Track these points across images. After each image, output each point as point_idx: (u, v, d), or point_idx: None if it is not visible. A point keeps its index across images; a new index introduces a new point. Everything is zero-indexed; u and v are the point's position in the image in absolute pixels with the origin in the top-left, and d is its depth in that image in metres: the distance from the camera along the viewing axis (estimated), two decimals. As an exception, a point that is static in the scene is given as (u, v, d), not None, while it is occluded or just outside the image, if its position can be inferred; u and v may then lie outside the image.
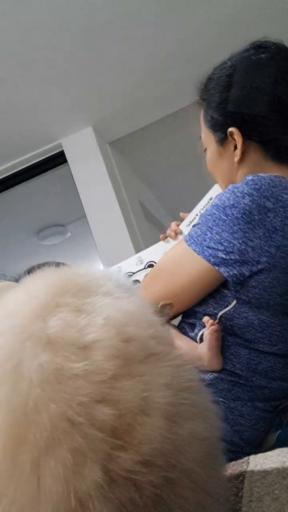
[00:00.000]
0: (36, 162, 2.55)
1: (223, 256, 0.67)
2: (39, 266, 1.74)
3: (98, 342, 0.29)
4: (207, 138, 0.88)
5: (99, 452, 0.25)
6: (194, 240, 0.72)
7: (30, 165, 2.56)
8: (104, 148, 2.56)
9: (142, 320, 0.34)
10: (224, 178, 0.86)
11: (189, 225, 1.18)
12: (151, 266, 1.24)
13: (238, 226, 0.66)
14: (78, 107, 2.28)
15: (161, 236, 1.19)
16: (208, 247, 0.69)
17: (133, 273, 1.25)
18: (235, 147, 0.81)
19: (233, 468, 0.57)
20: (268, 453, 0.61)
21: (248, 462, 0.59)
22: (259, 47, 0.82)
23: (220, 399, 0.68)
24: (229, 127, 0.80)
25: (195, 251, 0.71)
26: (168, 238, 1.23)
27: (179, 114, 2.40)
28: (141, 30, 1.91)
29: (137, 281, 1.23)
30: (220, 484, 0.31)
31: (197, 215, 1.14)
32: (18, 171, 2.56)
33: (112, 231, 2.35)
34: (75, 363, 0.28)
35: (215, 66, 0.86)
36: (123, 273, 1.25)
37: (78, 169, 2.46)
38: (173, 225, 1.15)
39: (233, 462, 0.59)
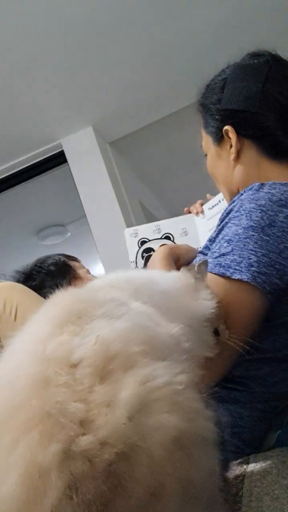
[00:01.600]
0: (36, 162, 2.56)
1: (277, 281, 0.61)
2: (39, 264, 1.72)
3: (84, 360, 0.36)
4: (207, 142, 0.89)
5: (64, 436, 0.32)
6: (238, 269, 0.62)
7: (30, 165, 2.56)
8: (104, 148, 2.56)
9: (133, 337, 0.40)
10: (224, 179, 0.87)
11: (211, 208, 1.22)
12: (167, 238, 1.25)
13: (284, 245, 0.63)
14: (78, 107, 2.28)
15: (185, 209, 1.27)
16: (260, 273, 0.61)
17: (149, 240, 1.26)
18: (231, 146, 0.82)
19: (233, 468, 0.57)
20: (268, 453, 0.61)
21: (248, 462, 0.59)
22: (254, 54, 0.84)
23: (218, 402, 0.68)
24: (223, 126, 0.82)
25: (243, 279, 0.61)
26: (192, 214, 1.26)
27: (179, 114, 2.40)
28: (141, 31, 1.91)
29: (151, 249, 1.24)
30: (202, 476, 0.34)
31: (220, 201, 1.17)
32: (18, 171, 2.57)
33: (112, 231, 2.35)
34: (61, 377, 0.36)
35: (215, 75, 0.87)
36: (138, 237, 1.27)
37: (78, 169, 2.46)
38: (198, 203, 1.22)
39: (233, 462, 0.59)
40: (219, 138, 0.84)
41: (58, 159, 2.54)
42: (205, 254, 0.80)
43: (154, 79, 2.21)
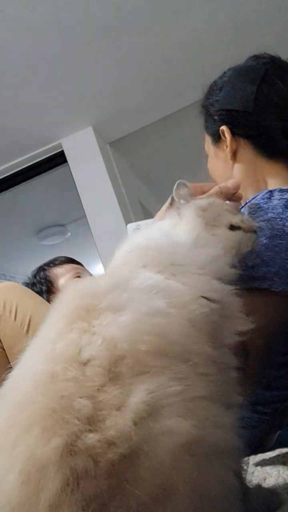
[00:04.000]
0: (36, 162, 2.55)
1: None
2: (47, 265, 1.72)
3: (92, 360, 0.36)
4: (207, 145, 0.91)
5: (67, 431, 0.32)
6: (276, 280, 0.59)
7: (30, 165, 2.56)
8: (104, 148, 2.56)
9: (140, 331, 0.38)
10: (221, 179, 0.87)
11: None
12: None
13: None
14: (78, 107, 2.28)
15: None
16: None
17: None
18: (227, 146, 0.83)
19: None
20: (268, 453, 0.61)
21: (248, 463, 0.59)
22: (255, 57, 0.85)
23: None
24: (220, 127, 0.83)
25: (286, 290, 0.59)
26: None
27: (179, 114, 2.40)
28: (141, 31, 1.91)
29: None
30: (212, 488, 0.32)
31: None
32: (18, 171, 2.56)
33: (112, 231, 2.35)
34: (70, 372, 0.36)
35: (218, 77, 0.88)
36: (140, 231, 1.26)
37: (78, 169, 2.46)
38: None
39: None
40: (217, 138, 0.86)
41: (58, 159, 2.54)
42: None
43: (154, 79, 2.21)
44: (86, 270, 1.76)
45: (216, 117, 0.84)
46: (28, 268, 1.88)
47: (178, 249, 0.52)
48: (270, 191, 0.69)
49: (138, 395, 0.34)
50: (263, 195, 0.69)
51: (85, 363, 0.36)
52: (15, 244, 3.55)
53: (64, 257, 1.77)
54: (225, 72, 0.86)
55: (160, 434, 0.32)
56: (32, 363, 0.40)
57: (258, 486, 0.49)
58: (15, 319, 1.10)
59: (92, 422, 0.32)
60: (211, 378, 0.39)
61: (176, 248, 0.53)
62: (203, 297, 0.45)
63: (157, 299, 0.42)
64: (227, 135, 0.82)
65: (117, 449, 0.31)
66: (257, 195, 0.70)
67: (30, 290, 1.30)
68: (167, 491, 0.31)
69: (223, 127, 0.82)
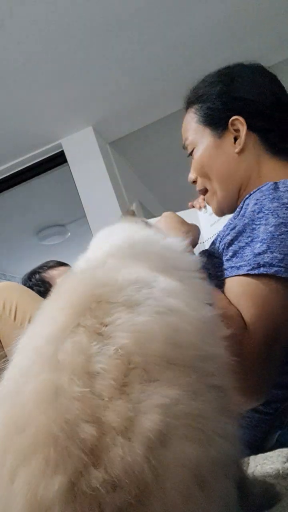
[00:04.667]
0: (36, 162, 2.55)
1: None
2: (41, 268, 1.74)
3: (103, 373, 0.32)
4: (198, 136, 0.87)
5: (71, 466, 0.28)
6: (283, 266, 0.60)
7: (30, 165, 2.56)
8: (104, 148, 2.56)
9: (155, 339, 0.35)
10: (220, 173, 0.84)
11: None
12: None
13: None
14: (78, 107, 2.27)
15: (189, 204, 1.27)
16: None
17: None
18: (235, 139, 0.81)
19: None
20: (268, 453, 0.61)
21: (248, 463, 0.59)
22: (248, 62, 0.87)
23: None
24: (230, 117, 0.81)
25: None
26: (195, 208, 1.26)
27: (179, 114, 2.39)
28: (141, 31, 1.91)
29: None
30: (211, 502, 0.30)
31: None
32: (18, 171, 2.56)
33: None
34: (77, 387, 0.31)
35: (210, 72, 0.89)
36: None
37: (78, 169, 2.46)
38: (201, 197, 1.21)
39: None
40: (222, 129, 0.82)
41: (58, 159, 2.54)
42: (209, 255, 0.78)
43: (153, 80, 2.21)
44: None
45: (223, 106, 0.82)
46: (28, 268, 1.88)
47: (177, 255, 0.52)
48: (276, 183, 0.70)
49: (149, 417, 0.30)
50: (269, 186, 0.69)
51: (95, 375, 0.32)
52: (15, 244, 3.55)
53: (55, 260, 1.81)
54: (227, 67, 0.86)
55: (171, 466, 0.28)
56: (31, 367, 0.34)
57: (257, 484, 0.49)
58: (14, 319, 1.10)
59: (96, 453, 0.28)
60: (221, 387, 0.36)
61: (174, 254, 0.53)
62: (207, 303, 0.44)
63: (174, 299, 0.40)
64: (242, 126, 0.80)
65: (125, 494, 0.27)
66: (261, 187, 0.70)
67: (30, 290, 1.30)
68: None
69: (238, 117, 0.80)
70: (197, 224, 1.27)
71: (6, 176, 2.57)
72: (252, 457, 0.62)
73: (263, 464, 0.57)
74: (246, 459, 0.61)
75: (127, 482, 0.27)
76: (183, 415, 0.30)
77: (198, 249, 1.25)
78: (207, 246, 1.25)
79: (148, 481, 0.27)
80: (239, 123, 0.80)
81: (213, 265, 0.73)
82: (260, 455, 0.61)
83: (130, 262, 0.46)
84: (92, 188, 2.43)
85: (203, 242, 1.26)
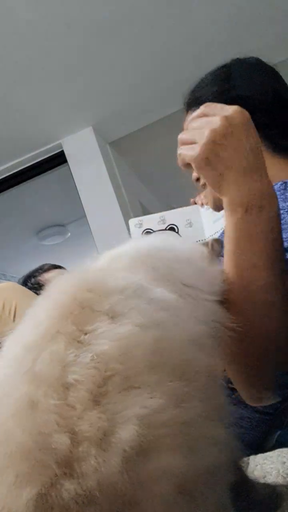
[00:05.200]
0: (36, 162, 2.55)
1: None
2: (37, 271, 1.76)
3: (77, 384, 0.31)
4: None
5: (42, 478, 0.26)
6: None
7: (30, 165, 2.56)
8: (104, 148, 2.56)
9: (137, 347, 0.33)
10: None
11: None
12: (172, 229, 1.25)
13: None
14: (78, 107, 2.27)
15: (191, 200, 1.27)
16: None
17: (153, 231, 1.26)
18: None
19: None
20: (268, 453, 0.61)
21: (248, 463, 0.59)
22: (245, 57, 0.86)
23: None
24: None
25: None
26: (197, 205, 1.26)
27: (179, 114, 2.39)
28: (141, 30, 1.91)
29: None
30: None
31: None
32: (18, 171, 2.56)
33: (112, 231, 2.34)
34: (53, 400, 0.30)
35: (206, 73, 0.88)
36: (143, 227, 1.27)
37: (78, 169, 2.46)
38: (203, 194, 1.21)
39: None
40: None
41: (58, 159, 2.54)
42: None
43: (154, 80, 2.21)
44: None
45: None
46: (28, 268, 1.89)
47: (187, 267, 0.49)
48: (285, 182, 0.70)
49: (127, 427, 0.28)
50: (279, 186, 0.69)
51: (69, 387, 0.31)
52: (15, 244, 3.55)
53: (49, 264, 1.84)
54: (223, 65, 0.85)
55: (153, 480, 0.27)
56: (8, 378, 0.34)
57: (258, 485, 0.49)
58: (14, 319, 1.10)
59: (69, 464, 0.27)
60: (207, 392, 0.34)
61: (183, 265, 0.49)
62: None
63: (162, 313, 0.38)
64: None
65: (98, 508, 0.25)
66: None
67: (29, 291, 1.30)
68: None
69: None
70: (200, 221, 1.27)
71: (6, 176, 2.57)
72: (252, 457, 0.62)
73: (263, 464, 0.57)
74: (246, 459, 0.61)
75: (103, 497, 0.26)
76: (164, 424, 0.29)
77: None
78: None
79: (126, 496, 0.26)
80: None
81: None
82: (260, 455, 0.61)
83: (131, 267, 0.44)
84: (92, 188, 2.43)
85: (205, 239, 1.26)
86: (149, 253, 0.49)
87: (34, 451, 0.28)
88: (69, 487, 0.26)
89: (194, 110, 0.87)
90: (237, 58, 0.85)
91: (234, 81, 0.82)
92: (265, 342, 0.51)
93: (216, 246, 0.59)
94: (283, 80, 0.84)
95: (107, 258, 0.51)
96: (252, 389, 0.57)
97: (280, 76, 0.84)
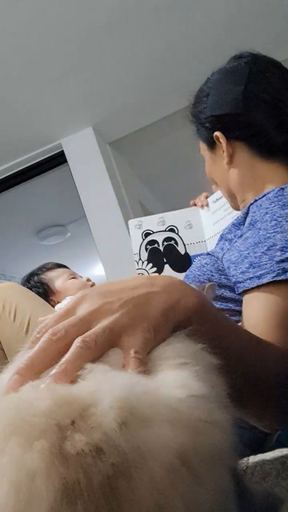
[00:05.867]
0: (36, 162, 2.56)
1: None
2: (40, 270, 1.77)
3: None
4: (203, 151, 0.91)
5: (51, 432, 0.28)
6: None
7: (30, 165, 2.56)
8: (104, 148, 2.56)
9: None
10: (221, 182, 0.89)
11: (216, 201, 1.24)
12: (172, 230, 1.25)
13: None
14: (78, 107, 2.28)
15: (191, 202, 1.28)
16: None
17: (153, 232, 1.27)
18: (224, 151, 0.83)
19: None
20: (268, 453, 0.61)
21: (248, 463, 0.59)
22: (236, 57, 0.85)
23: None
24: (213, 133, 0.83)
25: None
26: (197, 206, 1.27)
27: (179, 114, 2.39)
28: (141, 31, 1.91)
29: (155, 241, 1.24)
30: (210, 498, 0.29)
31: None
32: (18, 171, 2.56)
33: (112, 231, 2.35)
34: None
35: (202, 84, 0.89)
36: (142, 228, 1.28)
37: (78, 169, 2.46)
38: (203, 196, 1.24)
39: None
40: (212, 144, 0.86)
41: (58, 159, 2.54)
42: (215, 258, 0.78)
43: (153, 79, 2.21)
44: (76, 273, 1.81)
45: (207, 124, 0.84)
46: (28, 268, 1.89)
47: None
48: (282, 188, 0.70)
49: (117, 389, 0.30)
50: (276, 192, 0.69)
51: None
52: (15, 244, 3.55)
53: (53, 262, 1.84)
54: (208, 78, 0.86)
55: (153, 447, 0.28)
56: None
57: (257, 487, 0.49)
58: (14, 319, 1.10)
59: (75, 421, 0.28)
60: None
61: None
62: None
63: None
64: (222, 140, 0.82)
65: (107, 458, 0.27)
66: (267, 193, 0.70)
67: (29, 291, 1.30)
68: (164, 508, 0.28)
69: (217, 133, 0.82)
70: (199, 223, 1.28)
71: (6, 176, 2.57)
72: (252, 457, 0.62)
73: (262, 464, 0.57)
74: (246, 459, 0.61)
75: (108, 448, 0.27)
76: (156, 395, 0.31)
77: (199, 248, 1.25)
78: (208, 244, 1.25)
79: (129, 452, 0.28)
80: (219, 137, 0.82)
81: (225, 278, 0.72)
82: (260, 455, 0.61)
83: None
84: (92, 188, 2.43)
85: (205, 241, 1.26)
86: None
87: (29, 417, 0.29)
88: (79, 438, 0.27)
89: (195, 126, 0.90)
90: (217, 70, 0.85)
91: (210, 100, 0.83)
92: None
93: (210, 292, 0.57)
94: (261, 81, 0.79)
95: None
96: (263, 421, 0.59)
97: (258, 78, 0.79)
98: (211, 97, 0.83)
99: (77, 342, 0.34)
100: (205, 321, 0.41)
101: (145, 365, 0.35)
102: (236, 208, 0.91)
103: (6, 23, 1.69)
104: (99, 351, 0.35)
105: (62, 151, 2.50)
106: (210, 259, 0.78)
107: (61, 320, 0.37)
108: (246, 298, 0.64)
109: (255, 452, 0.66)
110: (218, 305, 0.72)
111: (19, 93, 2.05)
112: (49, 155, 2.54)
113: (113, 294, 0.39)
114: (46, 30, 1.77)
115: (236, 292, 0.67)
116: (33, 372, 0.34)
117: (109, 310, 0.37)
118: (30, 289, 1.65)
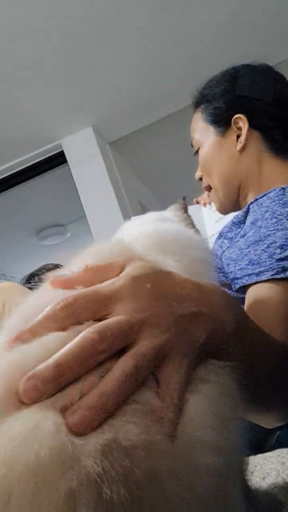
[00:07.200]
0: (36, 162, 2.56)
1: None
2: (40, 270, 1.78)
3: None
4: (203, 135, 0.88)
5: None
6: None
7: (30, 165, 2.56)
8: (104, 148, 2.56)
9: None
10: (222, 171, 0.85)
11: None
12: None
13: None
14: (78, 107, 2.28)
15: (194, 200, 1.30)
16: None
17: None
18: (238, 137, 0.82)
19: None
20: (268, 454, 0.61)
21: (247, 464, 0.59)
22: (254, 63, 0.87)
23: None
24: (233, 115, 0.82)
25: None
26: (199, 204, 1.27)
27: (179, 114, 2.39)
28: (141, 31, 1.91)
29: None
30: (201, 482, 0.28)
31: None
32: (18, 171, 2.56)
33: (112, 231, 2.34)
34: None
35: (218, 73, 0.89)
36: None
37: (78, 169, 2.46)
38: (205, 194, 1.23)
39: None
40: (224, 126, 0.83)
41: (58, 159, 2.54)
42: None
43: (153, 79, 2.21)
44: None
45: (226, 105, 0.83)
46: (28, 268, 1.89)
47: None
48: (283, 188, 0.70)
49: None
50: (277, 191, 0.69)
51: None
52: (15, 244, 3.55)
53: (53, 263, 1.84)
54: (233, 67, 0.87)
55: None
56: None
57: (258, 487, 0.49)
58: (14, 319, 1.10)
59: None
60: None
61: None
62: None
63: None
64: (244, 123, 0.81)
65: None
66: (268, 193, 0.70)
67: (30, 291, 1.30)
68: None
69: (241, 116, 0.81)
70: (201, 221, 1.28)
71: (6, 176, 2.57)
72: (251, 458, 0.62)
73: (262, 465, 0.57)
74: (246, 459, 0.61)
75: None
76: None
77: None
78: (210, 242, 1.25)
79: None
80: (241, 121, 0.81)
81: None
82: (259, 455, 0.61)
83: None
84: (92, 188, 2.43)
85: (207, 239, 1.26)
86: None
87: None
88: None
89: (201, 107, 0.88)
90: (246, 63, 0.86)
91: (240, 82, 0.83)
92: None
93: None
94: (283, 78, 0.85)
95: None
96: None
97: (286, 81, 0.85)
98: (243, 79, 0.83)
99: (127, 364, 0.28)
100: (237, 345, 0.37)
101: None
102: (223, 203, 0.88)
103: (6, 23, 1.69)
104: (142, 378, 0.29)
105: (62, 151, 2.50)
106: None
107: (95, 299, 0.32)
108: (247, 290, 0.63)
109: (255, 452, 0.66)
110: None
111: (19, 93, 2.05)
112: (49, 155, 2.54)
113: (163, 298, 0.33)
114: (46, 30, 1.77)
115: (233, 289, 0.67)
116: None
117: (157, 325, 0.31)
118: (30, 289, 1.65)
